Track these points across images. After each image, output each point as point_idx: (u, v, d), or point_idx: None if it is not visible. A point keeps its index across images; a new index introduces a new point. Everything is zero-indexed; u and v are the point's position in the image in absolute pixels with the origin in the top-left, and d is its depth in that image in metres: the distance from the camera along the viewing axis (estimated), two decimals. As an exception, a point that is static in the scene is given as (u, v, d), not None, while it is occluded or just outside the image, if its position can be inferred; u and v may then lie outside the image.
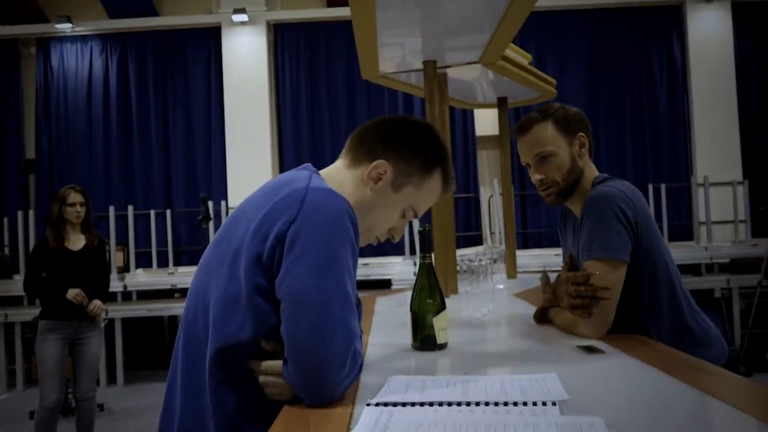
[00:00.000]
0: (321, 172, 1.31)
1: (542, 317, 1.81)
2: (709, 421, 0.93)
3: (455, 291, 2.56)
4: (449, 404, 1.00)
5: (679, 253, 6.31)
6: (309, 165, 1.30)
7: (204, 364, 1.15)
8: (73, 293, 3.67)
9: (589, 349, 1.44)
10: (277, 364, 1.11)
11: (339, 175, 1.31)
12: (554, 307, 1.77)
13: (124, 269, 7.29)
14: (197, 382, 1.17)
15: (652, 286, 1.68)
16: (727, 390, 1.07)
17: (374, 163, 1.28)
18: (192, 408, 1.17)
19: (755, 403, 1.02)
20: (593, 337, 1.58)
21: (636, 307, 1.68)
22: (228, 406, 1.13)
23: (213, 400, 1.13)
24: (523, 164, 1.87)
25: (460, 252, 2.81)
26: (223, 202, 7.54)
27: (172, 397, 1.23)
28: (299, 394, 1.08)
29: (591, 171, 1.82)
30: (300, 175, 1.21)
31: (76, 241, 3.84)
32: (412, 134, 1.32)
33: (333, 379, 1.06)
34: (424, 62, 2.54)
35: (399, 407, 1.00)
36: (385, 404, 1.02)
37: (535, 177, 1.82)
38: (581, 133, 1.78)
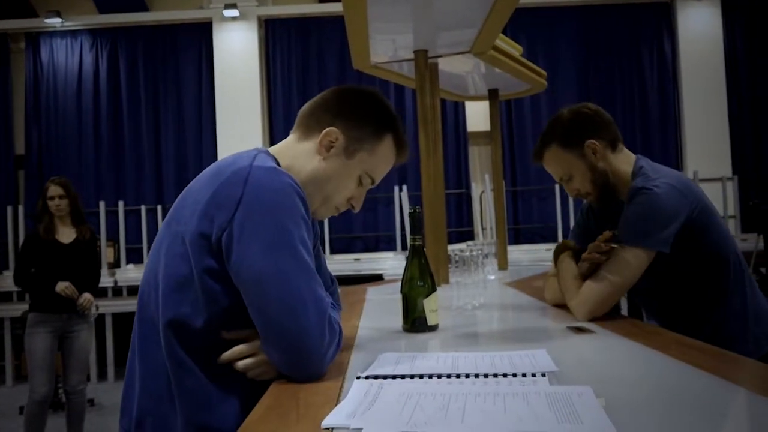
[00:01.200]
0: (272, 148, 1.30)
1: (559, 254, 1.79)
2: (697, 390, 0.94)
3: (446, 281, 2.56)
4: (439, 376, 1.00)
5: (669, 247, 6.34)
6: (259, 146, 1.29)
7: (159, 345, 1.15)
8: (62, 286, 3.65)
9: (579, 330, 1.45)
10: (253, 345, 1.11)
11: (290, 149, 1.30)
12: (571, 257, 1.74)
13: (115, 265, 7.26)
14: (154, 364, 1.16)
15: (718, 272, 1.67)
16: (715, 363, 1.08)
17: (325, 131, 1.27)
18: (151, 390, 1.17)
19: (743, 374, 1.03)
20: (581, 318, 1.57)
21: (702, 294, 1.68)
22: (190, 386, 1.13)
23: (174, 381, 1.13)
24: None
25: (451, 247, 2.81)
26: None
27: (130, 382, 1.22)
28: (286, 372, 1.08)
29: (622, 163, 1.76)
30: (244, 155, 1.20)
31: (67, 234, 3.83)
32: (360, 101, 1.32)
33: (315, 350, 1.06)
34: (415, 52, 2.55)
35: (389, 380, 1.01)
36: (375, 377, 1.02)
37: (571, 194, 1.85)
38: (590, 140, 1.74)
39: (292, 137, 1.33)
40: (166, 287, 1.15)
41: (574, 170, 1.76)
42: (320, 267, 1.32)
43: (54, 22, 7.84)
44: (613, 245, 1.59)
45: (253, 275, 1.06)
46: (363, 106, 1.31)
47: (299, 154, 1.29)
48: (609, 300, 1.58)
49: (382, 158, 1.33)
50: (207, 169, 1.22)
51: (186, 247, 1.12)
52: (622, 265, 1.57)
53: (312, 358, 1.06)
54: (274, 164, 1.16)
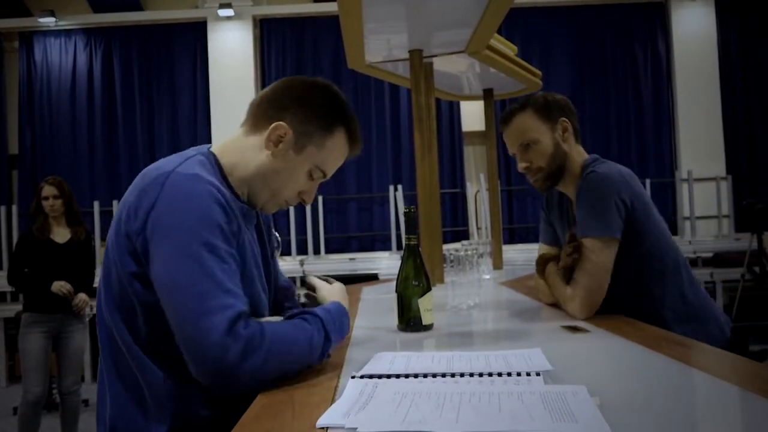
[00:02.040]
0: (218, 146, 1.28)
1: (543, 266, 1.83)
2: (692, 388, 0.94)
3: (441, 281, 2.56)
4: (434, 375, 1.00)
5: (664, 247, 6.37)
6: (203, 147, 1.28)
7: (116, 346, 1.16)
8: (58, 285, 3.64)
9: (574, 329, 1.45)
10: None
11: (237, 143, 1.28)
12: (555, 266, 1.78)
13: (109, 265, 7.23)
14: (115, 365, 1.17)
15: (654, 261, 1.70)
16: (708, 361, 1.08)
17: (273, 126, 1.23)
18: (120, 396, 1.17)
19: (735, 372, 1.03)
20: (579, 316, 1.59)
21: (639, 283, 1.70)
22: (157, 385, 1.13)
23: (143, 381, 1.14)
24: (511, 155, 1.90)
25: (446, 246, 2.81)
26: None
27: (102, 386, 1.22)
28: (203, 383, 1.06)
29: (579, 154, 1.83)
30: (176, 158, 1.19)
31: (61, 234, 3.81)
32: (310, 94, 1.27)
33: (218, 360, 1.01)
34: (410, 51, 2.55)
35: (384, 379, 1.01)
36: (370, 376, 1.02)
37: (521, 165, 1.85)
38: (563, 118, 1.81)
39: (240, 131, 1.30)
40: (105, 290, 1.17)
41: (540, 138, 1.79)
42: (268, 275, 1.35)
43: (48, 21, 7.82)
44: (576, 243, 1.66)
45: (159, 281, 1.07)
46: (312, 100, 1.27)
47: (246, 148, 1.26)
48: (596, 292, 1.61)
49: (332, 152, 1.29)
50: (144, 169, 1.21)
51: (116, 250, 1.14)
52: (590, 257, 1.62)
53: (217, 368, 1.02)
54: (198, 170, 1.14)
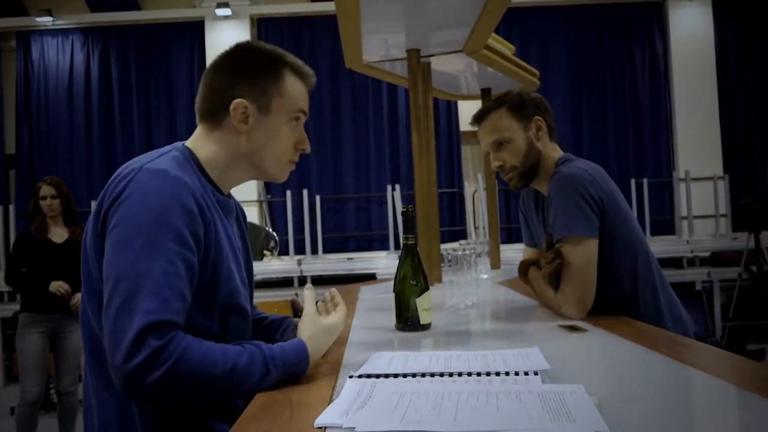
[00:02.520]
0: (191, 140, 1.28)
1: (525, 271, 1.83)
2: (689, 388, 0.94)
3: (439, 280, 2.56)
4: (432, 375, 1.00)
5: (661, 246, 6.38)
6: (180, 144, 1.27)
7: (99, 346, 1.13)
8: (56, 285, 3.63)
9: (572, 329, 1.45)
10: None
11: (208, 141, 1.27)
12: (537, 271, 1.78)
13: (107, 265, 7.22)
14: (99, 367, 1.15)
15: (625, 260, 1.71)
16: (705, 360, 1.08)
17: (232, 107, 1.22)
18: (105, 397, 1.15)
19: (733, 371, 1.03)
20: (576, 316, 1.59)
21: (612, 281, 1.70)
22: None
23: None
24: (484, 152, 1.92)
25: (444, 246, 2.81)
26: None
27: (87, 391, 1.21)
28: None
29: (553, 152, 1.84)
30: (150, 155, 1.19)
31: (59, 234, 3.80)
32: (240, 60, 1.26)
33: (121, 363, 0.98)
34: (408, 51, 2.54)
35: (382, 379, 1.01)
36: (368, 376, 1.02)
37: (494, 164, 1.86)
38: (537, 117, 1.81)
39: (202, 131, 1.28)
40: (85, 291, 1.17)
41: (513, 137, 1.80)
42: (249, 269, 1.33)
43: (45, 20, 7.80)
44: (556, 247, 1.66)
45: (105, 275, 1.06)
46: (245, 65, 1.25)
47: (219, 140, 1.26)
48: (586, 290, 1.62)
49: (294, 92, 1.28)
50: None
51: (91, 248, 1.14)
52: (571, 259, 1.63)
53: (119, 372, 0.98)
54: (167, 166, 1.13)
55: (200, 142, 1.27)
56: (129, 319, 0.99)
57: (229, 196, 1.32)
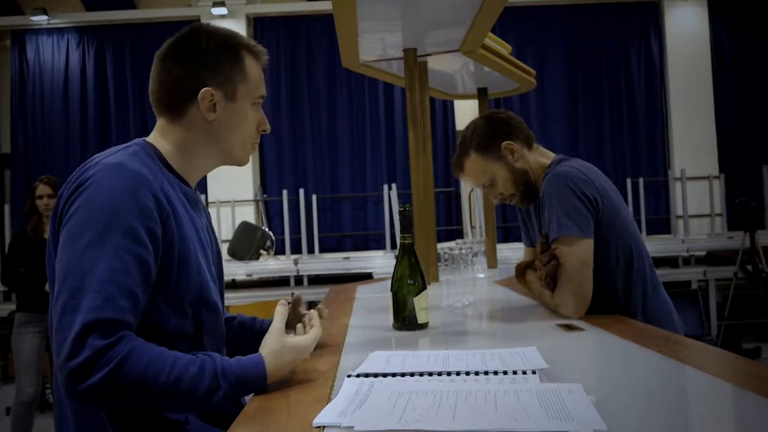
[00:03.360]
0: (152, 138, 1.25)
1: (522, 273, 1.84)
2: (686, 386, 0.95)
3: (436, 279, 2.57)
4: (430, 374, 1.01)
5: (657, 245, 6.39)
6: (140, 140, 1.24)
7: None
8: (51, 285, 3.62)
9: (569, 327, 1.45)
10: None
11: (170, 134, 1.24)
12: (534, 274, 1.78)
13: (103, 264, 7.20)
14: None
15: (618, 259, 1.70)
16: (702, 359, 1.09)
17: (200, 97, 1.20)
18: (80, 406, 1.10)
19: (727, 368, 1.04)
20: (574, 315, 1.60)
21: (607, 282, 1.70)
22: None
23: None
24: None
25: (440, 245, 2.82)
26: (203, 196, 7.48)
27: (61, 402, 1.15)
28: None
29: (542, 158, 1.85)
30: (113, 149, 1.17)
31: (54, 233, 3.80)
32: (197, 49, 1.22)
33: (64, 362, 0.94)
34: (405, 50, 2.54)
35: (380, 378, 1.01)
36: (366, 375, 1.02)
37: (494, 201, 1.92)
38: (505, 142, 1.82)
39: (164, 123, 1.25)
40: (49, 285, 1.13)
41: (495, 174, 1.84)
42: (219, 265, 1.29)
43: (40, 19, 7.77)
44: (552, 249, 1.66)
45: (56, 269, 1.04)
46: (205, 50, 1.21)
47: (180, 134, 1.23)
48: (583, 290, 1.62)
49: (255, 75, 1.27)
50: None
51: (51, 242, 1.13)
52: (567, 259, 1.63)
53: (61, 371, 0.95)
54: (124, 159, 1.11)
55: (162, 135, 1.25)
56: (72, 317, 0.96)
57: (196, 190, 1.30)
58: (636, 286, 1.72)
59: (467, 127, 1.92)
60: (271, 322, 1.39)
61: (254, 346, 1.12)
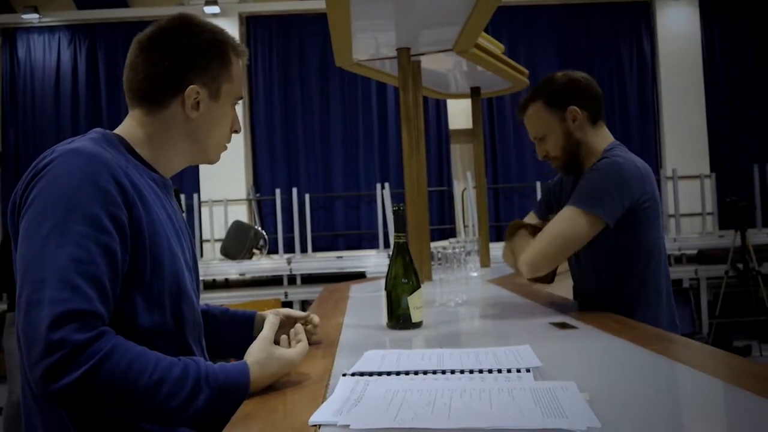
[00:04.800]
0: (119, 129, 1.21)
1: (515, 231, 1.82)
2: (679, 384, 0.95)
3: (429, 278, 2.57)
4: (425, 373, 1.01)
5: (649, 244, 6.42)
6: (96, 130, 1.19)
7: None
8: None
9: (563, 326, 1.46)
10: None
11: (141, 126, 1.19)
12: (526, 231, 1.77)
13: (95, 264, 7.18)
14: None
15: (642, 262, 1.70)
16: (694, 357, 1.10)
17: (185, 94, 1.17)
18: (50, 411, 1.03)
19: (718, 366, 1.05)
20: (524, 273, 1.62)
21: (624, 282, 1.70)
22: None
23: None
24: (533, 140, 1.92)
25: (433, 244, 2.82)
26: (195, 195, 7.46)
27: (27, 407, 1.08)
28: None
29: (600, 139, 1.80)
30: (66, 140, 1.11)
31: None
32: (186, 40, 1.18)
33: (30, 356, 0.90)
34: (398, 49, 2.54)
35: (375, 376, 1.01)
36: (361, 374, 1.03)
37: (540, 154, 1.87)
38: (572, 107, 1.78)
39: (139, 113, 1.20)
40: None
41: (551, 131, 1.81)
42: (193, 252, 1.24)
43: (31, 17, 7.74)
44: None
45: (17, 259, 0.99)
46: (195, 46, 1.18)
47: (156, 127, 1.19)
48: (549, 257, 1.61)
49: (238, 76, 1.26)
50: None
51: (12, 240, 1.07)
52: (560, 220, 1.62)
53: (32, 369, 0.89)
54: (81, 144, 1.06)
55: (133, 125, 1.20)
56: (37, 312, 0.89)
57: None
58: (646, 293, 1.70)
59: (546, 77, 1.87)
60: (239, 312, 1.39)
61: (229, 339, 1.10)
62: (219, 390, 0.96)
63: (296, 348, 1.10)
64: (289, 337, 1.16)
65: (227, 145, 1.31)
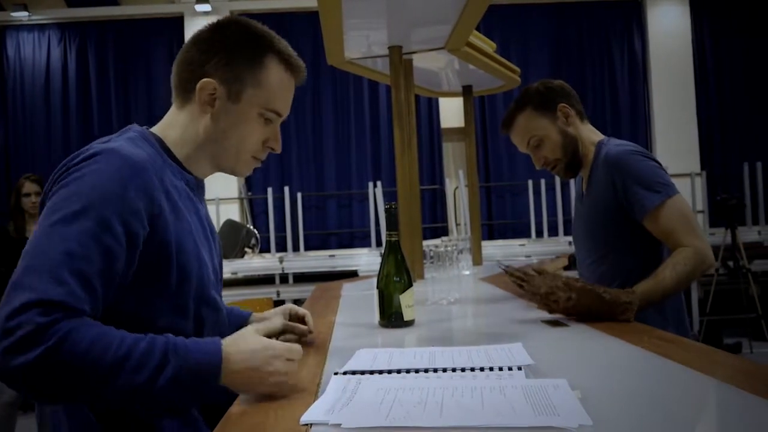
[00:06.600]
0: (157, 126, 1.20)
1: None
2: (670, 381, 0.96)
3: (421, 276, 2.57)
4: (416, 371, 1.01)
5: (640, 242, 6.45)
6: (134, 126, 1.19)
7: None
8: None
9: (554, 324, 1.46)
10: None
11: (175, 120, 1.18)
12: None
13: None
14: None
15: (649, 254, 1.72)
16: (683, 353, 1.10)
17: (199, 87, 1.13)
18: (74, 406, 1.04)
19: (708, 363, 1.05)
20: (712, 257, 1.59)
21: (623, 275, 1.71)
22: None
23: None
24: (523, 152, 1.92)
25: (425, 242, 2.82)
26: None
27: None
28: None
29: (592, 134, 1.84)
30: (103, 138, 1.11)
31: (36, 232, 3.76)
32: (221, 34, 1.15)
33: (1, 345, 0.86)
34: (390, 48, 2.55)
35: (367, 375, 1.01)
36: (353, 373, 1.03)
37: (538, 164, 1.87)
38: (561, 104, 1.81)
39: (173, 108, 1.20)
40: None
41: (546, 134, 1.82)
42: (201, 278, 1.13)
43: (21, 15, 7.69)
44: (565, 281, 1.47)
45: None
46: (225, 42, 1.15)
47: (185, 122, 1.17)
48: (699, 231, 1.63)
49: (273, 86, 1.17)
50: None
51: None
52: (685, 213, 1.63)
53: None
54: (117, 144, 1.05)
55: (168, 122, 1.19)
56: (14, 294, 0.88)
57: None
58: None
59: (525, 88, 1.89)
60: (234, 311, 1.37)
61: (223, 336, 1.09)
62: (187, 363, 0.91)
63: (289, 345, 1.00)
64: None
65: (258, 158, 1.23)
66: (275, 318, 1.32)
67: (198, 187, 1.21)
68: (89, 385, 0.87)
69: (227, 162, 1.20)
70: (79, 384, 0.87)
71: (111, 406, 0.98)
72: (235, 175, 1.25)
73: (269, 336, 1.12)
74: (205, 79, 1.13)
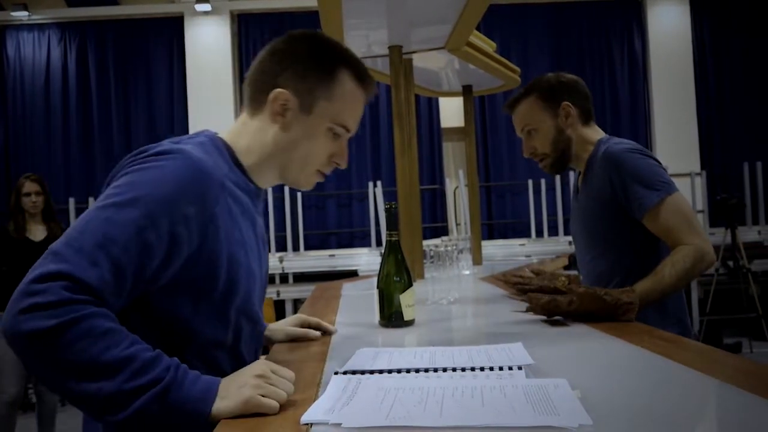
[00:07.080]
0: (226, 132, 1.21)
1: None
2: (670, 381, 0.96)
3: (422, 276, 2.57)
4: (417, 371, 1.01)
5: (640, 242, 6.45)
6: (208, 130, 1.20)
7: None
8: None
9: (554, 323, 1.46)
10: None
11: (245, 127, 1.20)
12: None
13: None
14: None
15: (650, 253, 1.71)
16: (683, 353, 1.10)
17: (272, 96, 1.15)
18: None
19: (708, 363, 1.05)
20: (713, 255, 1.60)
21: (623, 274, 1.71)
22: None
23: None
24: (519, 136, 1.92)
25: (425, 242, 2.82)
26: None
27: None
28: None
29: (592, 134, 1.83)
30: (175, 138, 1.12)
31: (38, 232, 3.76)
32: (297, 47, 1.18)
33: (16, 298, 0.88)
34: (390, 47, 2.55)
35: (367, 375, 1.01)
36: (353, 372, 1.03)
37: (526, 151, 1.88)
38: (566, 103, 1.80)
39: (244, 115, 1.22)
40: None
41: (541, 125, 1.82)
42: (246, 288, 1.12)
43: (21, 15, 7.69)
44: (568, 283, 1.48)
45: None
46: (301, 52, 1.17)
47: (256, 130, 1.18)
48: (699, 228, 1.64)
49: (345, 100, 1.19)
50: None
51: None
52: (685, 211, 1.64)
53: (12, 303, 0.88)
54: (185, 146, 1.05)
55: (238, 130, 1.20)
56: (51, 260, 0.90)
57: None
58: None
59: (539, 77, 1.89)
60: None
61: None
62: (183, 382, 0.89)
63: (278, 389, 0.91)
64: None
65: (323, 173, 1.23)
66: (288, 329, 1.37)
67: (258, 197, 1.22)
68: (83, 372, 0.87)
69: (292, 173, 1.21)
70: (74, 368, 0.86)
71: (77, 403, 0.91)
72: (298, 188, 1.26)
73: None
74: (278, 90, 1.15)
